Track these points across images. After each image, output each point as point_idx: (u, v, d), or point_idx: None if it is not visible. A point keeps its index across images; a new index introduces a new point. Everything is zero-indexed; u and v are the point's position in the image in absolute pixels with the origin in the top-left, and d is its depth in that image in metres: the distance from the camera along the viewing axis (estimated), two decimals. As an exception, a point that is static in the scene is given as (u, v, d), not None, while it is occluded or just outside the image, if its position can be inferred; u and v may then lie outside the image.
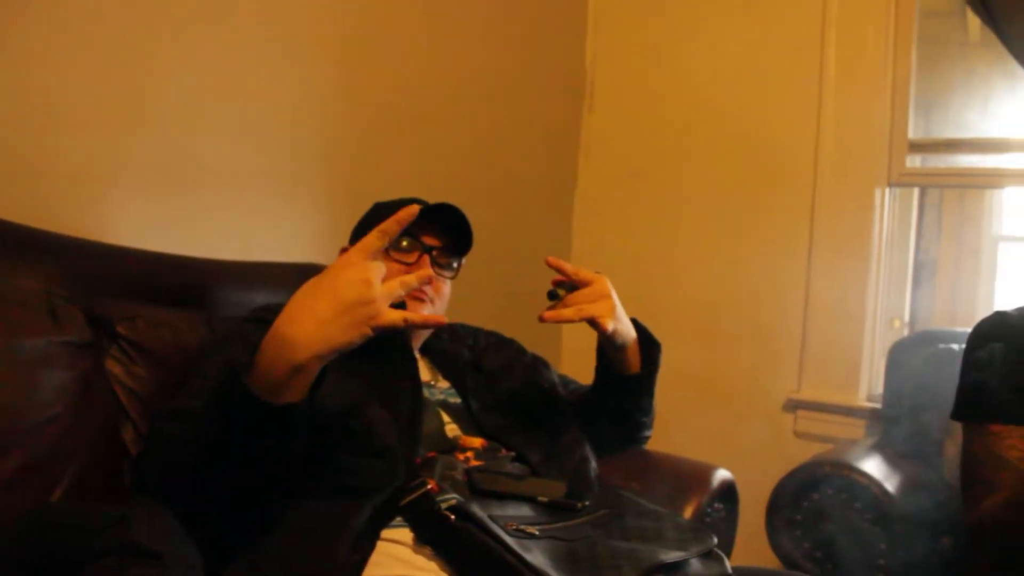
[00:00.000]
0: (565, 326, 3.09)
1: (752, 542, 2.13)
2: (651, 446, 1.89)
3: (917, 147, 2.86)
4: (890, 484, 1.93)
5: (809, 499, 1.91)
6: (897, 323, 3.45)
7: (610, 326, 1.51)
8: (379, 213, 1.61)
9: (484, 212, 2.82)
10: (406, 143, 2.57)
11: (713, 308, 3.01)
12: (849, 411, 2.76)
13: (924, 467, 2.16)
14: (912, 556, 1.85)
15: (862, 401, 2.77)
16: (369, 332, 1.11)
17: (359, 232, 1.63)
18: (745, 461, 2.23)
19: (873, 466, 1.99)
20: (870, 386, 2.80)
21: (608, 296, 1.53)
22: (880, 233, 2.82)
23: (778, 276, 2.91)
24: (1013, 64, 2.60)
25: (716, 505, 1.74)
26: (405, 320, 1.14)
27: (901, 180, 2.83)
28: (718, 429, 2.92)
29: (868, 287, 2.79)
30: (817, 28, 2.91)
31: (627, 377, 1.65)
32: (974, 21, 2.86)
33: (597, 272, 1.55)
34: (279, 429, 1.11)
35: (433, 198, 1.58)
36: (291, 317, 1.09)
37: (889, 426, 2.43)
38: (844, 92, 2.85)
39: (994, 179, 2.90)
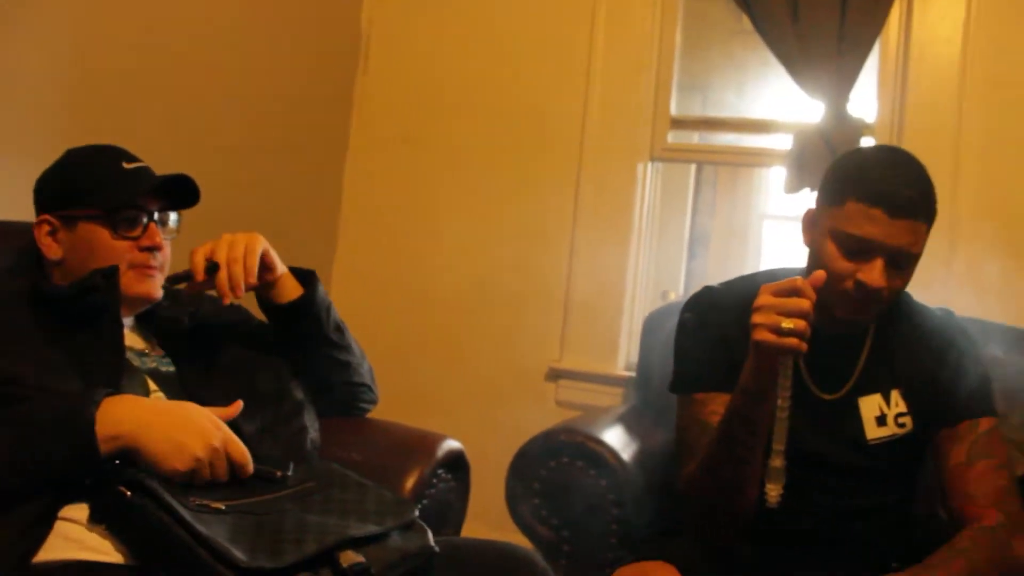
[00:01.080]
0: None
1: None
2: (410, 419, 1.87)
3: (680, 124, 2.94)
4: (627, 453, 1.96)
5: (547, 467, 1.92)
6: (672, 295, 3.56)
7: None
8: (71, 160, 1.54)
9: (245, 176, 2.72)
10: (152, 104, 2.40)
11: (479, 278, 3.00)
12: (607, 380, 2.83)
13: (671, 433, 2.21)
14: (646, 524, 1.89)
15: (620, 370, 2.84)
16: None
17: (51, 183, 1.53)
18: (506, 431, 2.22)
19: (613, 435, 2.02)
20: (628, 356, 2.87)
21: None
22: (642, 206, 2.88)
23: (543, 247, 2.93)
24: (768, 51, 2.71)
25: (442, 474, 1.71)
26: None
27: (663, 155, 2.91)
28: (481, 400, 2.94)
29: (629, 259, 2.85)
30: (588, 2, 2.93)
31: (297, 304, 1.61)
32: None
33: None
34: None
35: (183, 163, 1.51)
36: None
37: (640, 394, 2.49)
38: (611, 67, 2.89)
39: (751, 158, 3.02)
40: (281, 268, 1.60)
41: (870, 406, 1.59)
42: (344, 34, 3.21)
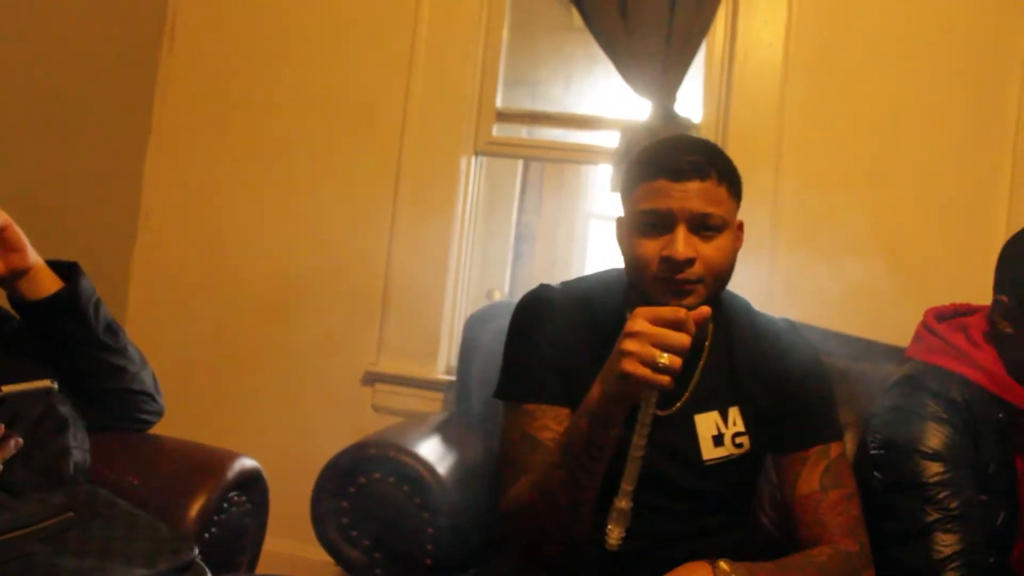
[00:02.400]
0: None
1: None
2: (210, 433, 1.70)
3: (506, 117, 2.83)
4: (443, 466, 1.82)
5: (356, 484, 1.75)
6: (497, 294, 3.45)
7: None
8: None
9: (30, 161, 2.42)
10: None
11: (293, 275, 2.79)
12: (427, 384, 2.68)
13: (493, 443, 2.10)
14: (461, 541, 1.77)
15: (440, 374, 2.70)
16: None
17: None
18: (320, 440, 2.05)
19: (429, 447, 1.87)
20: (449, 359, 2.74)
21: None
22: (465, 202, 2.75)
23: (361, 243, 2.76)
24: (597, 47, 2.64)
25: (235, 497, 1.53)
26: None
27: (487, 149, 2.78)
28: (292, 407, 2.75)
29: (450, 257, 2.71)
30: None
31: (55, 299, 1.42)
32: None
33: None
34: None
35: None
36: None
37: (460, 400, 2.36)
38: (435, 57, 2.75)
39: (578, 154, 2.94)
40: (34, 257, 1.40)
41: (707, 424, 1.50)
42: (147, 8, 2.92)
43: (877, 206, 2.56)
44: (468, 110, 2.74)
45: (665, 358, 1.16)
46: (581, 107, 3.00)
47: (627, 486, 1.22)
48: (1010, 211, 2.50)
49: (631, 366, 1.17)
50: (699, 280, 1.38)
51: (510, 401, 1.52)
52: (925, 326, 1.75)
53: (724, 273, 1.42)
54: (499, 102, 2.79)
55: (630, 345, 1.18)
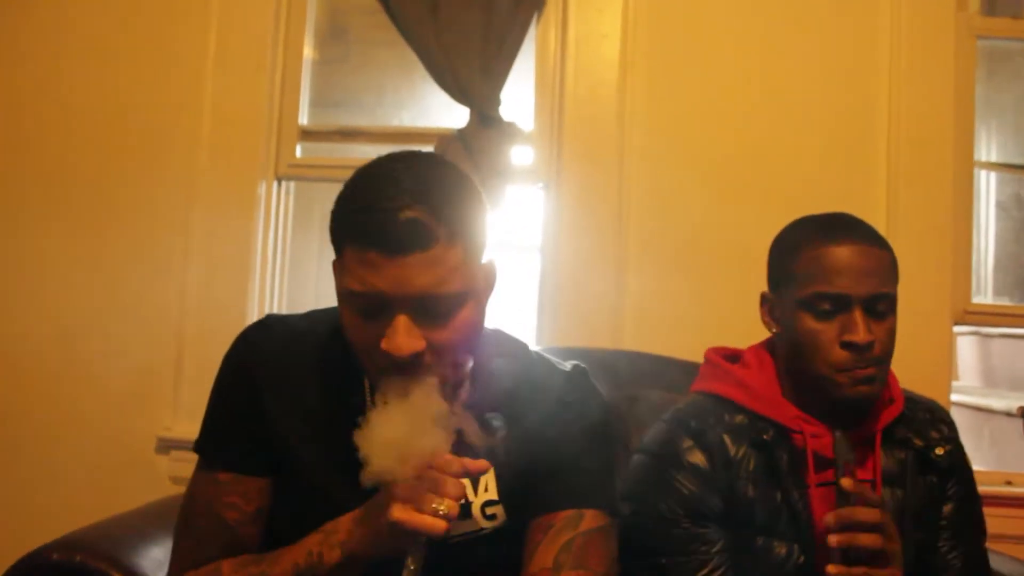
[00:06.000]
0: None
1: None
2: None
3: (311, 135, 2.49)
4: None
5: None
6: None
7: None
8: None
9: None
10: None
11: (68, 326, 2.39)
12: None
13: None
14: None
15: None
16: None
17: None
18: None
19: (150, 545, 1.50)
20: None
21: None
22: (266, 232, 2.40)
23: (150, 290, 2.38)
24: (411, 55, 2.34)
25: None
26: None
27: (290, 173, 2.44)
28: (82, 480, 2.36)
29: (249, 301, 2.35)
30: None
31: None
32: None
33: None
34: None
35: None
36: None
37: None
38: (226, 73, 2.40)
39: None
40: None
41: None
42: None
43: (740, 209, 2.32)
44: (265, 130, 2.39)
45: (443, 505, 1.01)
46: (398, 119, 2.69)
47: None
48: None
49: (404, 514, 1.01)
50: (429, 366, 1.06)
51: (203, 461, 1.21)
52: (705, 360, 1.55)
53: (469, 349, 1.12)
54: (304, 119, 2.45)
55: (404, 489, 1.02)
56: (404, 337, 1.01)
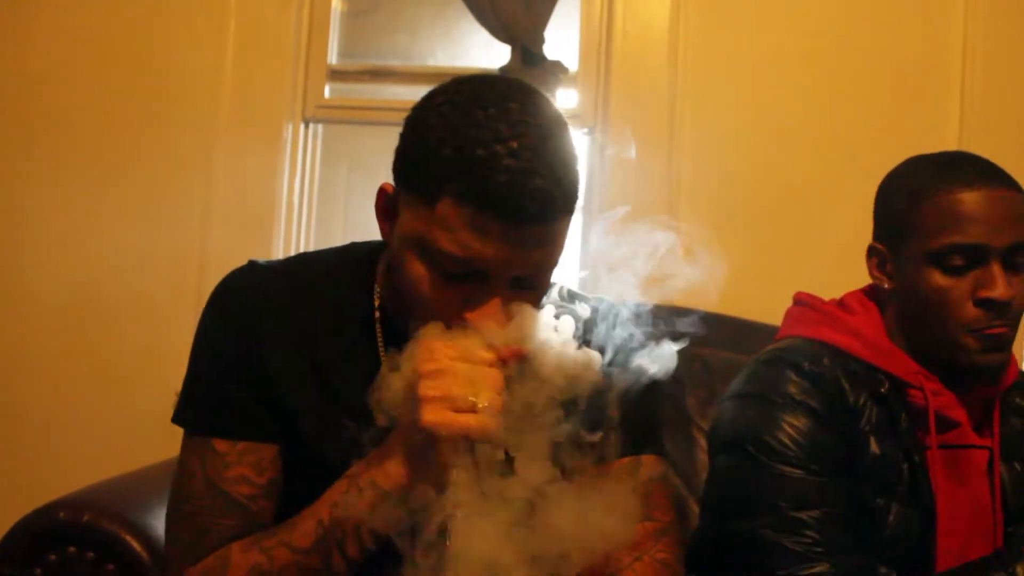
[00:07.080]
0: None
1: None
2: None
3: (340, 75, 2.34)
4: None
5: (43, 561, 1.25)
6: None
7: None
8: None
9: None
10: None
11: (93, 278, 2.27)
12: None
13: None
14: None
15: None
16: None
17: None
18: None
19: (156, 505, 1.37)
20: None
21: None
22: (292, 179, 2.26)
23: (171, 237, 2.25)
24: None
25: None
26: None
27: (318, 114, 2.30)
28: (101, 432, 2.26)
29: (274, 246, 2.22)
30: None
31: None
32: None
33: None
34: None
35: None
36: None
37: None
38: (251, 6, 2.25)
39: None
40: None
41: None
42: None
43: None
44: (292, 69, 2.24)
45: (483, 397, 0.87)
46: (433, 58, 2.54)
47: None
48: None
49: (437, 415, 0.86)
50: None
51: (192, 433, 1.03)
52: (794, 302, 1.39)
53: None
54: (333, 58, 2.30)
55: (430, 389, 0.87)
56: (497, 312, 0.92)
